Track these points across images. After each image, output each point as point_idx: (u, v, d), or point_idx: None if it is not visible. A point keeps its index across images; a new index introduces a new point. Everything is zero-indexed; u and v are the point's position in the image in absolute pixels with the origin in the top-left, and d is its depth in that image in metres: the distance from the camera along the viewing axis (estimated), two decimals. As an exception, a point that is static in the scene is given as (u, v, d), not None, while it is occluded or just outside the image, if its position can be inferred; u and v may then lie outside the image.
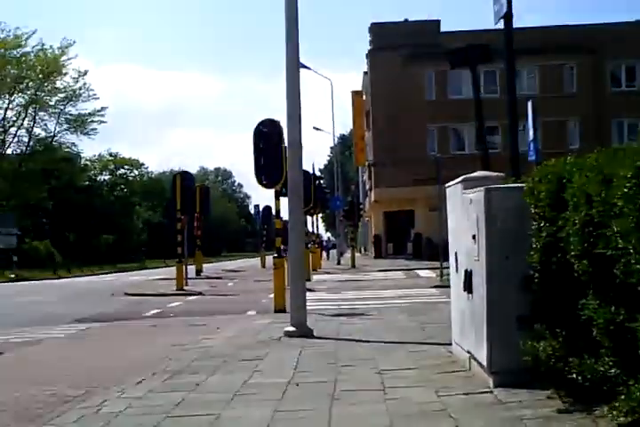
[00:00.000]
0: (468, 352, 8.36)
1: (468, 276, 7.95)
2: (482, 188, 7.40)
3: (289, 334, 12.80)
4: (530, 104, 19.48)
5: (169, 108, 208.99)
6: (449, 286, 24.97)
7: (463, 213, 8.27)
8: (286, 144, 13.49)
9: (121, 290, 30.88)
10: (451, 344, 9.80)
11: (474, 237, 7.64)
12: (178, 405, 7.62)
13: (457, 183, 8.67)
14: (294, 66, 13.33)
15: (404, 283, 29.53)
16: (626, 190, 4.57)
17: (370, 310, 17.97)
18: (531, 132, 19.27)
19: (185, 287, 30.23)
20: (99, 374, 10.26)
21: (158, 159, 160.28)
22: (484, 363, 7.46)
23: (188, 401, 7.79)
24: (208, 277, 39.94)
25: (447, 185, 9.32)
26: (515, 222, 7.13)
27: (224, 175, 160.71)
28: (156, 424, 6.90)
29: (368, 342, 11.73)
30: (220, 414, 7.12)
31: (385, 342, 11.52)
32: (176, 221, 31.38)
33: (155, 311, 21.01)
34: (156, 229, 75.49)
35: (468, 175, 8.49)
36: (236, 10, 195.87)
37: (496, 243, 7.23)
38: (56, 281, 45.21)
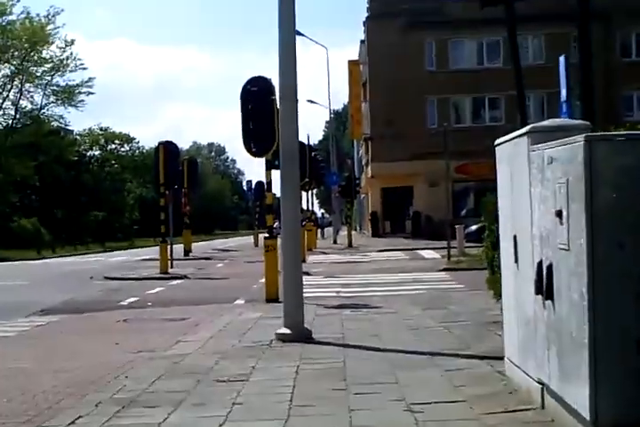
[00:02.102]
0: (541, 383, 5.78)
1: (547, 272, 5.35)
2: (578, 137, 4.78)
3: (282, 338, 10.20)
4: (562, 60, 16.77)
5: (165, 84, 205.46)
6: (459, 269, 22.87)
7: (534, 177, 5.67)
8: (278, 99, 10.87)
9: (102, 272, 28.41)
10: (499, 359, 7.26)
11: (559, 213, 5.06)
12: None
13: (519, 136, 6.05)
14: (289, 9, 10.79)
15: (408, 265, 27.03)
16: None
17: (376, 299, 15.80)
18: (563, 92, 16.55)
19: (169, 270, 27.66)
20: (26, 398, 7.60)
21: (153, 135, 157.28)
22: (584, 412, 4.81)
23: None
24: (196, 258, 37.51)
25: (499, 141, 6.72)
26: (636, 192, 4.56)
27: (217, 151, 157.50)
28: None
29: (383, 350, 9.15)
30: None
31: (406, 352, 8.93)
32: (160, 196, 28.59)
33: (131, 300, 18.61)
34: (148, 206, 72.55)
35: (537, 124, 5.86)
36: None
37: (603, 223, 4.64)
38: (38, 262, 42.53)
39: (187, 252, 39.74)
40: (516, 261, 6.16)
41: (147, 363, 9.18)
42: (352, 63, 64.72)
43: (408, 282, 20.47)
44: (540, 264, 5.48)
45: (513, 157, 6.24)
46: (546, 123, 5.86)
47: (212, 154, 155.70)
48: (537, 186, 5.56)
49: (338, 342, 9.93)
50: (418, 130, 48.87)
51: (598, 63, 50.91)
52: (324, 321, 12.27)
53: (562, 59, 16.75)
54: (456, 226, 29.67)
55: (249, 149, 15.66)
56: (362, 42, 59.40)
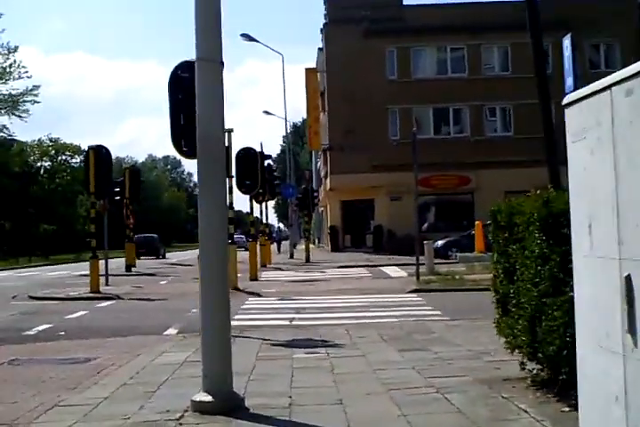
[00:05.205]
0: None
1: None
2: None
3: (200, 408, 6.93)
4: (567, 43, 13.73)
5: (124, 98, 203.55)
6: (430, 291, 20.13)
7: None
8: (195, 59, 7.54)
9: (31, 289, 25.28)
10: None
11: None
12: None
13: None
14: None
15: (372, 285, 23.95)
16: None
17: (337, 332, 12.92)
18: (569, 81, 13.55)
19: (103, 288, 24.46)
20: None
21: (111, 148, 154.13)
22: None
23: None
24: (139, 274, 34.56)
25: (574, 97, 3.64)
26: None
27: (173, 164, 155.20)
28: None
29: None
30: None
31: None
32: (91, 206, 25.26)
33: (43, 327, 15.47)
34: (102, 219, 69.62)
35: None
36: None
37: None
38: (-30, 276, 39.16)
39: (129, 267, 36.86)
40: (632, 330, 3.04)
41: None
42: (309, 71, 61.92)
43: (375, 307, 17.42)
44: None
45: (620, 122, 3.12)
46: None
47: (168, 167, 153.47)
48: None
49: (281, 417, 6.67)
50: (379, 141, 46.95)
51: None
52: (266, 370, 9.20)
53: (566, 41, 13.73)
54: (424, 242, 26.69)
55: (179, 148, 12.28)
56: (320, 49, 56.48)
